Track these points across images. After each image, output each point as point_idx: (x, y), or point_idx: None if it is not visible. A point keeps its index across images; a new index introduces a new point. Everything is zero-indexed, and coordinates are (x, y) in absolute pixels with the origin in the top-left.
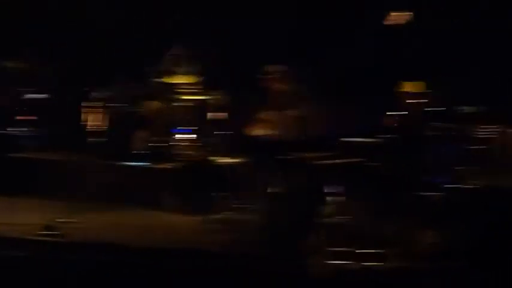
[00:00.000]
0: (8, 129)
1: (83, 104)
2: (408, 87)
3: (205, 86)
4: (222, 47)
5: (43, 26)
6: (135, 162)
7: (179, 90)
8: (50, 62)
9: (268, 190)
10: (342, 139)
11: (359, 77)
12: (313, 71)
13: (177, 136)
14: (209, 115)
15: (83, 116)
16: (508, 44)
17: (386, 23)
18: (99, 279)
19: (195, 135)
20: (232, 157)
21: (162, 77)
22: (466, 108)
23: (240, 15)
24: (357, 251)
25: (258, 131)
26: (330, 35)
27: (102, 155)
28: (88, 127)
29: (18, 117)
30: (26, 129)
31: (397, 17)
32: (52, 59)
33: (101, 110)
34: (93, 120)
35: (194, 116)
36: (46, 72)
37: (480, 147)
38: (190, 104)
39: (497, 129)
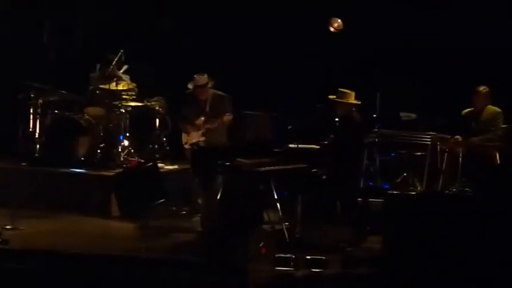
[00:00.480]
0: None
1: (23, 110)
2: (347, 95)
3: (146, 92)
4: (161, 54)
5: None
6: (76, 168)
7: (120, 96)
8: None
9: (208, 196)
10: (283, 145)
11: (297, 84)
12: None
13: (117, 142)
14: (149, 121)
15: (23, 122)
16: (448, 55)
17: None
18: (42, 285)
19: (135, 142)
20: (172, 163)
21: (103, 84)
22: (405, 115)
23: (178, 20)
24: (298, 257)
25: (198, 137)
26: (264, 41)
27: (44, 161)
28: (29, 133)
29: None
30: None
31: (335, 24)
32: None
33: (42, 116)
34: (35, 126)
35: (134, 122)
36: None
37: (419, 153)
38: (131, 110)
39: (436, 136)
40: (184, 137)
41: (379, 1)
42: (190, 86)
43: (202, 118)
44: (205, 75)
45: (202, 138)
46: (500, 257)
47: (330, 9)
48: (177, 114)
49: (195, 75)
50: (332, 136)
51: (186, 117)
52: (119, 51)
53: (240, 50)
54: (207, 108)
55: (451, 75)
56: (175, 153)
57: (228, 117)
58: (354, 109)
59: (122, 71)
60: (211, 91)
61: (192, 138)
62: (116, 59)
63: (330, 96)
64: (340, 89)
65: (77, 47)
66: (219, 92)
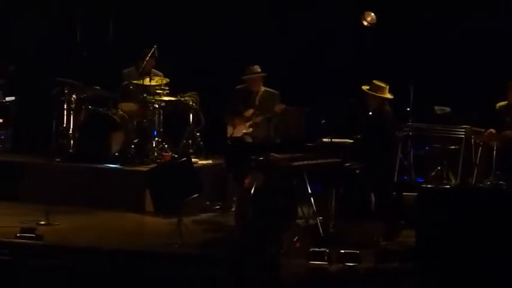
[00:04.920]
0: None
1: (57, 106)
2: (381, 88)
3: (179, 87)
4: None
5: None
6: (110, 164)
7: (153, 92)
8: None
9: (242, 191)
10: (317, 139)
11: (330, 78)
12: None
13: (151, 138)
14: (183, 116)
15: (57, 118)
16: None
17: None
18: (76, 281)
19: (168, 137)
20: (206, 158)
21: (136, 79)
22: (439, 109)
23: (213, 16)
24: (332, 251)
25: (245, 130)
26: (297, 35)
27: (78, 157)
28: (63, 129)
29: None
30: None
31: (368, 18)
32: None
33: (76, 111)
34: (68, 122)
35: (168, 117)
36: (15, 74)
37: (453, 147)
38: (164, 105)
39: (470, 130)
40: (230, 130)
41: None
42: (245, 77)
43: (251, 110)
44: (256, 67)
45: (250, 130)
46: None
47: (364, 3)
48: (213, 109)
49: (248, 67)
50: (367, 128)
51: (234, 110)
52: (153, 46)
53: (274, 45)
54: (257, 102)
55: (486, 68)
56: (209, 148)
57: (280, 107)
58: (385, 103)
59: (156, 67)
60: (263, 87)
61: (239, 131)
62: (149, 54)
63: (363, 87)
64: (374, 81)
65: (111, 42)
66: (270, 89)
